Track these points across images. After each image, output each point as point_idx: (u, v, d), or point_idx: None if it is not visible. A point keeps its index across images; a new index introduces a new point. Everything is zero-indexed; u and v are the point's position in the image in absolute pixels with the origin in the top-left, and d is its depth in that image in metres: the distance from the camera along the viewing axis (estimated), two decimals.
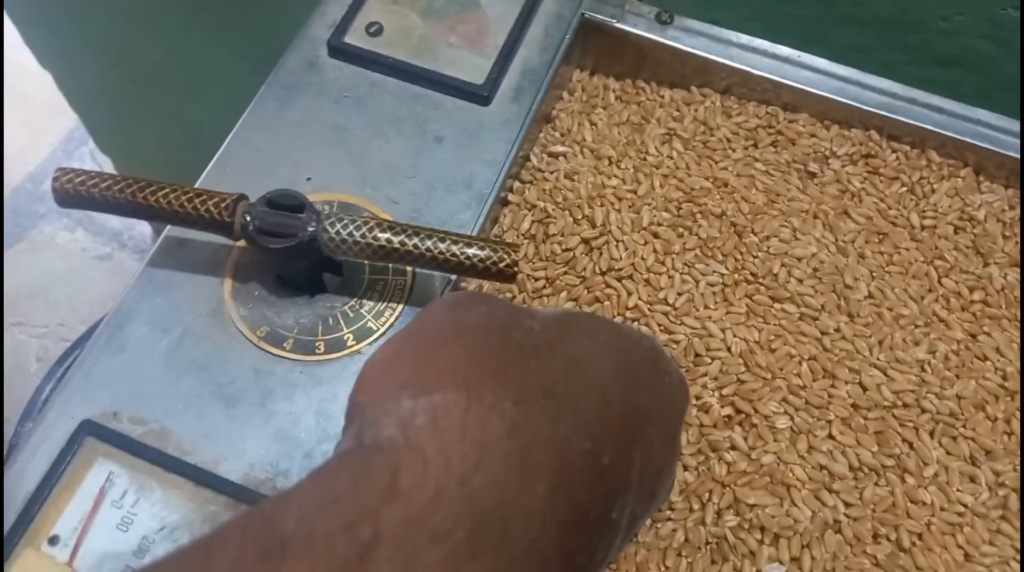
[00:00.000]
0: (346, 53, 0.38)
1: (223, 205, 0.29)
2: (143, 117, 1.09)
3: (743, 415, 0.32)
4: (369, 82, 0.38)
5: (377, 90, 0.37)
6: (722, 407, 0.33)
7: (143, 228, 1.52)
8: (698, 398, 0.33)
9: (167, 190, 0.29)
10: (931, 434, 0.32)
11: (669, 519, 0.31)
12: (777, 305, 0.35)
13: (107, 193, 0.30)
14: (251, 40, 0.82)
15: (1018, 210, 0.38)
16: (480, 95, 0.37)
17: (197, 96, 0.97)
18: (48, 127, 1.60)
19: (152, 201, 0.29)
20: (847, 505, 0.31)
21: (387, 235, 0.29)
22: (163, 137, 1.12)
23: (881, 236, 0.37)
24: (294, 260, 0.30)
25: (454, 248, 0.29)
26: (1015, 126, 0.39)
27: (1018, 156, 0.38)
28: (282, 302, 0.32)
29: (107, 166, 1.44)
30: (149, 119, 1.09)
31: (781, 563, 0.30)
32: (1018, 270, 0.37)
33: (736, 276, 0.35)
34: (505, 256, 0.29)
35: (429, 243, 0.29)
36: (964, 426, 0.32)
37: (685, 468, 0.32)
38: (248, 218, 0.29)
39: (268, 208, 0.29)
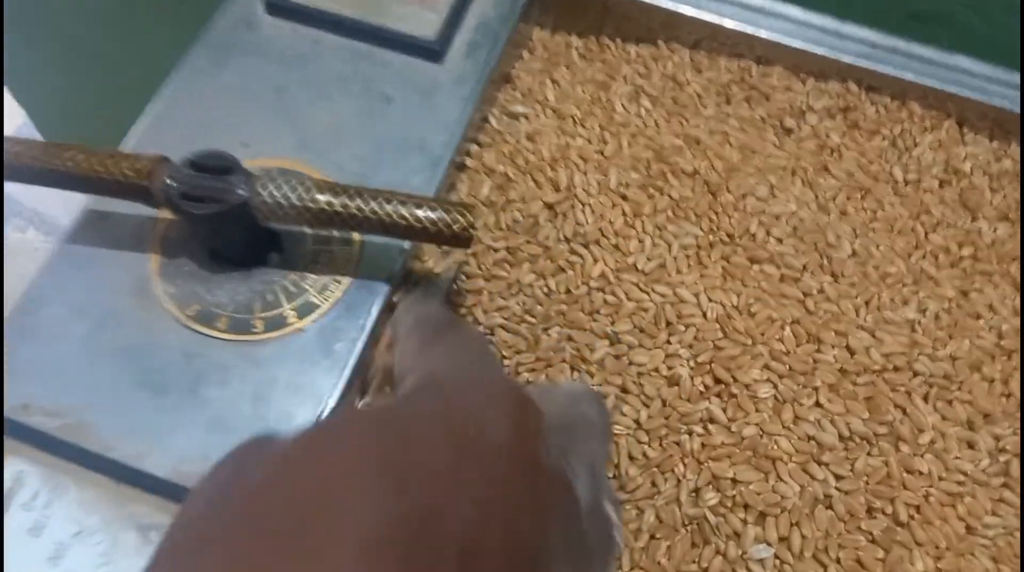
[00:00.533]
0: (285, 9, 0.35)
1: (140, 166, 0.26)
2: (94, 113, 1.05)
3: (721, 385, 0.30)
4: (311, 40, 0.35)
5: (319, 48, 0.34)
6: (696, 377, 0.30)
7: None
8: (670, 369, 0.30)
9: (78, 152, 0.26)
10: (925, 398, 0.30)
11: (631, 500, 0.28)
12: (756, 266, 0.32)
13: (16, 160, 0.26)
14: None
15: (1004, 162, 0.36)
16: (432, 51, 0.34)
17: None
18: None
19: (61, 164, 0.26)
20: (838, 478, 0.28)
21: (327, 197, 0.26)
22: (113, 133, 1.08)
23: (863, 192, 0.35)
24: (225, 230, 0.27)
25: (402, 210, 0.26)
26: (999, 74, 0.37)
27: (1001, 106, 0.36)
28: (215, 278, 0.29)
29: None
30: (101, 113, 1.05)
31: (768, 543, 0.27)
32: (1007, 224, 0.35)
33: (711, 237, 0.33)
34: (460, 218, 0.26)
35: (374, 205, 0.26)
36: (960, 389, 0.30)
37: (645, 443, 0.29)
38: (169, 181, 0.26)
39: (192, 170, 0.26)
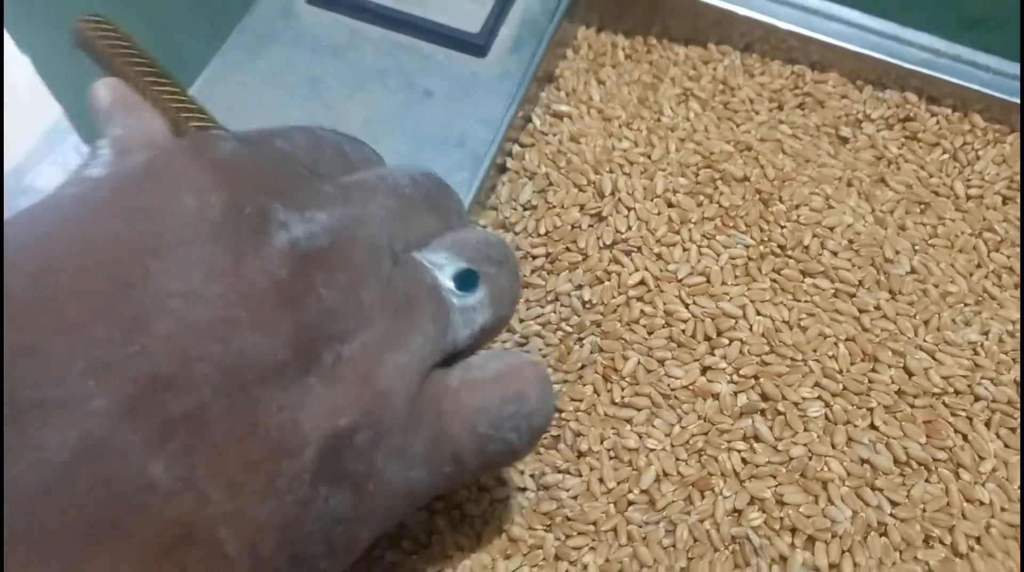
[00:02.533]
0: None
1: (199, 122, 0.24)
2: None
3: (768, 402, 0.29)
4: (350, 30, 0.34)
5: (359, 39, 0.33)
6: (739, 393, 0.29)
7: None
8: (709, 383, 0.29)
9: (162, 89, 0.24)
10: (987, 425, 0.28)
11: (663, 517, 0.27)
12: (808, 280, 0.31)
13: (111, 60, 0.25)
14: None
15: None
16: (475, 45, 0.33)
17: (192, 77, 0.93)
18: (30, 118, 1.56)
19: (135, 80, 0.24)
20: (893, 504, 0.27)
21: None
22: None
23: (923, 206, 0.33)
24: None
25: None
26: None
27: None
28: None
29: None
30: None
31: (818, 570, 0.26)
32: None
33: (762, 248, 0.31)
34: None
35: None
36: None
37: (682, 460, 0.28)
38: None
39: None
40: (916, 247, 0.32)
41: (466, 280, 0.21)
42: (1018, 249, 0.32)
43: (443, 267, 0.21)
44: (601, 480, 0.28)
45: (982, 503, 0.27)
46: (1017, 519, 0.27)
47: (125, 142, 0.21)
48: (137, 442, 0.14)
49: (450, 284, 0.21)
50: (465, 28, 0.33)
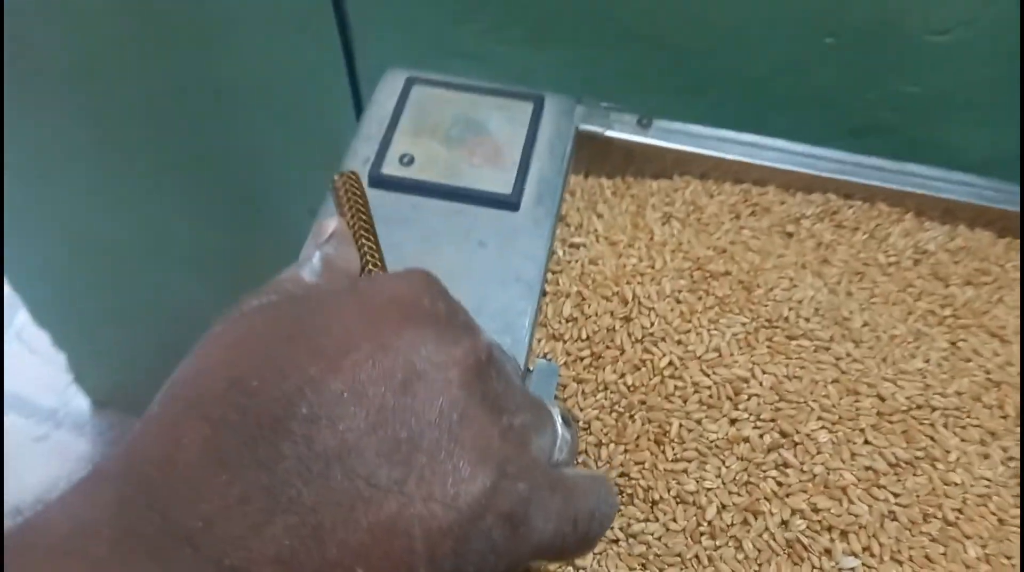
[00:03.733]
0: (386, 183, 0.43)
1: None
2: (89, 288, 1.11)
3: (786, 437, 0.38)
4: (411, 205, 0.43)
5: (419, 210, 0.43)
6: (762, 435, 0.38)
7: (79, 403, 1.48)
8: (738, 431, 0.38)
9: (367, 237, 0.34)
10: (945, 426, 0.38)
11: (729, 536, 0.35)
12: (794, 342, 0.41)
13: (345, 205, 0.35)
14: (215, 205, 0.86)
15: (957, 240, 0.46)
16: (510, 202, 0.43)
17: (153, 263, 0.99)
18: None
19: (351, 226, 0.34)
20: (895, 496, 0.36)
21: None
22: (111, 307, 1.13)
23: (859, 275, 0.44)
24: None
25: None
26: (938, 173, 0.47)
27: (948, 197, 0.46)
28: None
29: (40, 341, 1.42)
30: (96, 289, 1.10)
31: (855, 555, 0.34)
32: (971, 287, 0.44)
33: (754, 324, 0.41)
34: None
35: None
36: (968, 416, 0.39)
37: (733, 493, 0.36)
38: None
39: None
40: (862, 306, 0.43)
41: (566, 418, 0.28)
42: (933, 296, 0.44)
43: (553, 406, 0.28)
44: (674, 520, 0.36)
45: (956, 484, 0.36)
46: (983, 490, 0.36)
47: (332, 261, 0.30)
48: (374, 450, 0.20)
49: (559, 418, 0.27)
50: (500, 190, 0.43)
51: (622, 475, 0.38)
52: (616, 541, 0.36)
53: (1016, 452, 0.38)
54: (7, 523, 0.19)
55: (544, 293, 0.43)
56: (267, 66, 0.65)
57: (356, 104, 0.64)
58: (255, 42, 0.64)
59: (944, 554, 0.34)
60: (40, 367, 1.51)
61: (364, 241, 0.33)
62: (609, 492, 0.27)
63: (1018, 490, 0.36)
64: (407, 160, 0.44)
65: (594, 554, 0.36)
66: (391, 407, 0.21)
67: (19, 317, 1.58)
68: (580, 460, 0.38)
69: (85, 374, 1.38)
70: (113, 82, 0.72)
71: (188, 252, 0.96)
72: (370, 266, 0.33)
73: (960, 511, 0.36)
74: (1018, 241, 0.47)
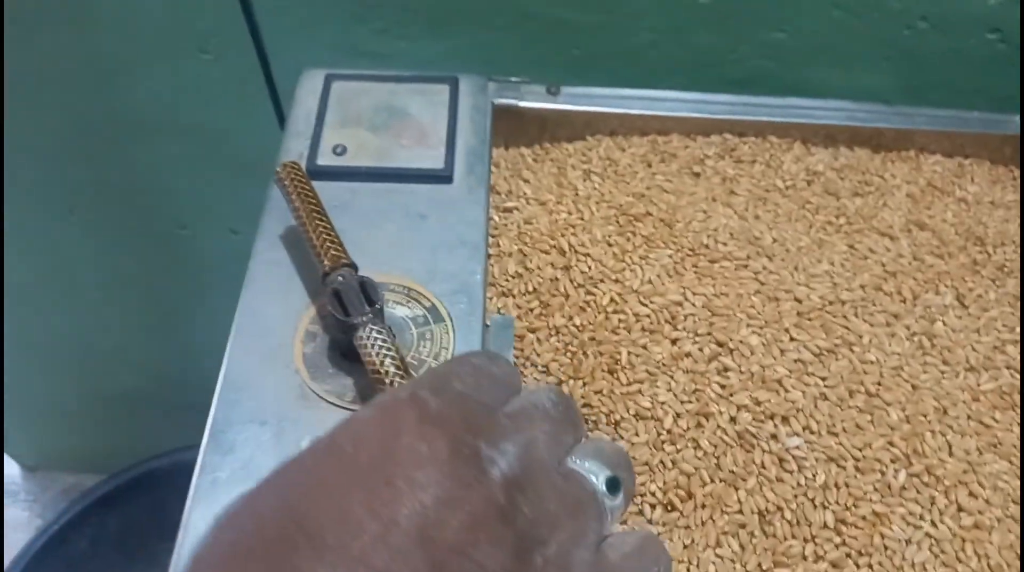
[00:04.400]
0: (323, 173, 0.46)
1: (337, 253, 0.35)
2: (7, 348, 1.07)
3: (722, 346, 0.42)
4: (350, 190, 0.45)
5: (359, 195, 0.45)
6: (703, 347, 0.42)
7: (10, 470, 1.43)
8: (679, 348, 0.42)
9: (319, 224, 0.37)
10: (856, 315, 0.43)
11: (683, 442, 0.39)
12: (716, 265, 0.45)
13: (293, 197, 0.38)
14: (130, 237, 0.85)
15: (840, 159, 0.52)
16: (444, 176, 0.46)
17: (68, 306, 0.97)
18: None
19: (302, 211, 0.36)
20: (823, 380, 0.41)
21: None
22: (26, 360, 1.09)
23: (762, 200, 0.49)
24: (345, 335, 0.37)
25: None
26: (816, 103, 0.53)
27: (827, 123, 0.52)
28: (353, 370, 0.38)
29: None
30: (9, 343, 1.07)
31: (797, 434, 0.39)
32: (859, 197, 0.50)
33: (679, 254, 0.46)
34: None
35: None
36: (873, 303, 0.44)
37: (685, 402, 0.40)
38: (342, 277, 0.35)
39: (356, 285, 0.36)
40: (770, 226, 0.48)
41: (613, 484, 0.25)
42: (828, 209, 0.49)
43: (596, 475, 0.24)
44: (636, 434, 0.40)
45: (872, 362, 0.42)
46: (896, 362, 0.42)
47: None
48: None
49: (603, 488, 0.24)
50: (433, 166, 0.46)
51: (584, 405, 0.41)
52: None
53: (918, 328, 0.43)
54: None
55: (488, 255, 0.46)
56: (173, 89, 0.66)
57: (278, 116, 0.66)
58: (160, 66, 0.64)
59: (871, 421, 0.39)
60: None
61: (318, 222, 0.36)
62: (660, 550, 0.25)
63: (923, 358, 0.42)
64: (340, 150, 0.46)
65: None
66: None
67: None
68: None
69: (11, 440, 1.33)
70: (17, 119, 0.71)
71: (104, 292, 0.94)
72: (327, 244, 0.35)
73: (879, 383, 0.41)
74: (892, 153, 0.53)
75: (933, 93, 0.62)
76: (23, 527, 1.37)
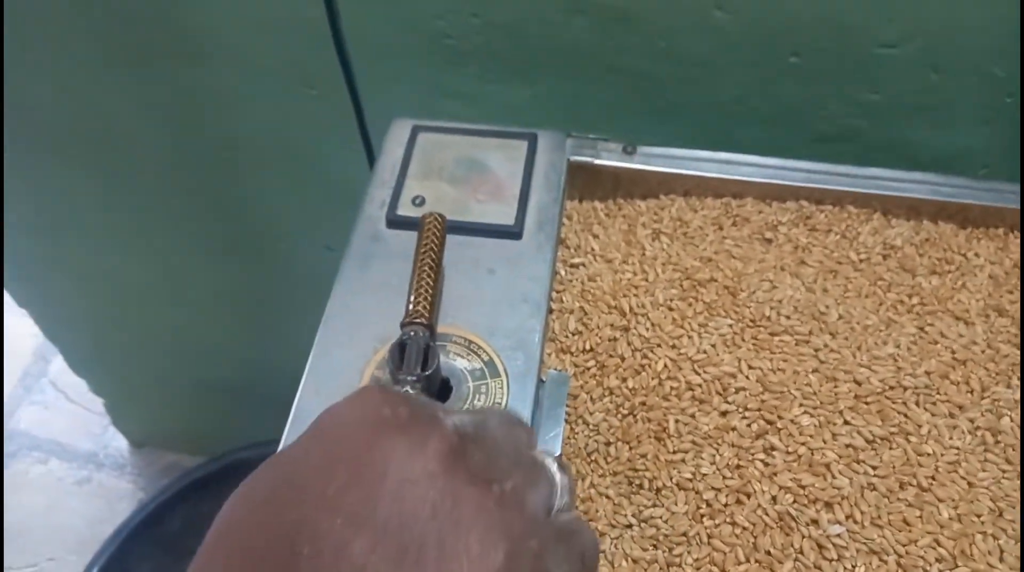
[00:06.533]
0: (401, 223, 0.48)
1: (419, 309, 0.38)
2: (120, 335, 1.16)
3: (771, 425, 0.42)
4: None
5: None
6: (751, 423, 0.42)
7: (119, 444, 1.54)
8: (727, 421, 0.42)
9: (428, 269, 0.40)
10: (916, 404, 0.43)
11: (722, 517, 0.39)
12: (776, 338, 0.45)
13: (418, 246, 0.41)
14: (235, 249, 0.92)
15: (922, 234, 0.51)
16: (513, 232, 0.48)
17: (178, 307, 1.05)
18: (6, 368, 1.63)
19: (417, 259, 0.40)
20: (873, 468, 0.40)
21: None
22: (142, 351, 1.18)
23: (833, 273, 0.49)
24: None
25: None
26: (900, 174, 0.52)
27: (912, 195, 0.51)
28: None
29: (76, 389, 1.48)
30: (127, 336, 1.16)
31: (840, 522, 0.39)
32: (937, 276, 0.49)
33: (739, 325, 0.46)
34: None
35: None
36: (937, 392, 0.43)
37: (727, 477, 0.41)
38: (414, 333, 0.38)
39: (423, 346, 0.38)
40: (837, 300, 0.47)
41: (560, 463, 0.28)
42: (902, 287, 0.48)
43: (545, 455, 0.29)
44: (676, 504, 0.41)
45: (928, 454, 0.41)
46: (953, 457, 0.41)
47: None
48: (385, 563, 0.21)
49: (555, 464, 0.28)
50: (504, 222, 0.48)
51: (630, 468, 0.42)
52: (630, 526, 0.41)
53: (982, 422, 0.42)
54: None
55: (551, 310, 0.48)
56: (280, 121, 0.71)
57: (367, 148, 0.69)
58: (268, 102, 0.69)
59: (920, 516, 0.39)
60: (77, 413, 1.57)
61: (425, 274, 0.39)
62: (590, 528, 0.30)
63: (984, 456, 0.41)
64: (419, 201, 0.49)
65: (611, 538, 0.40)
66: (385, 518, 0.22)
67: (54, 366, 1.64)
68: (591, 458, 0.43)
69: (121, 417, 1.44)
70: (138, 145, 0.78)
71: (211, 294, 1.02)
72: (420, 297, 0.38)
73: (933, 478, 0.40)
74: (979, 230, 0.51)
75: None
76: (128, 498, 1.48)
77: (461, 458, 0.24)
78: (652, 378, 0.44)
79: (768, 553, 0.38)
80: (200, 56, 0.67)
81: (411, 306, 0.39)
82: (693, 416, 0.43)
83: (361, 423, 0.24)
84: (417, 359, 0.38)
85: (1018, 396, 0.43)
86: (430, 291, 0.39)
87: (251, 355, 1.12)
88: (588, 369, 0.46)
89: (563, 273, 0.49)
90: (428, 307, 0.39)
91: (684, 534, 0.40)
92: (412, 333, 0.39)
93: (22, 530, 1.46)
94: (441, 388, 0.41)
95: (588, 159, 0.52)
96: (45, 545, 1.45)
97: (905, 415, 0.42)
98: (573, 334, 0.47)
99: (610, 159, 0.52)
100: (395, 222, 0.48)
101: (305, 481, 0.23)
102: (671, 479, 0.41)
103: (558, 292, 0.49)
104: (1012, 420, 0.42)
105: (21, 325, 1.56)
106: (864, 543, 0.38)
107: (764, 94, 0.59)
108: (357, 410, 0.25)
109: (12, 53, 0.71)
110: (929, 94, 0.57)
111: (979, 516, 0.39)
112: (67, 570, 1.42)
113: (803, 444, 0.41)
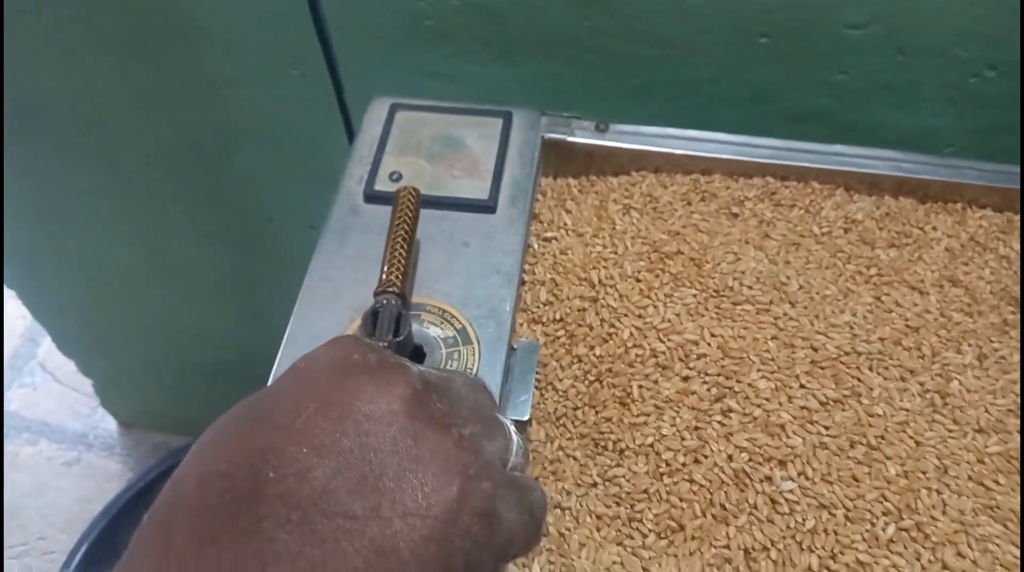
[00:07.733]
0: (378, 198, 0.50)
1: (394, 277, 0.40)
2: (108, 316, 1.17)
3: (729, 389, 0.44)
4: None
5: None
6: (711, 388, 0.44)
7: (108, 424, 1.56)
8: (688, 386, 0.44)
9: (401, 240, 0.41)
10: (870, 368, 0.45)
11: (680, 475, 0.41)
12: (738, 307, 0.47)
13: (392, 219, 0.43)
14: (222, 230, 0.93)
15: (882, 208, 0.53)
16: (488, 206, 0.49)
17: (166, 288, 1.06)
18: None
19: (391, 231, 0.42)
20: (826, 429, 0.42)
21: None
22: (131, 332, 1.19)
23: (796, 246, 0.51)
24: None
25: None
26: (862, 151, 0.54)
27: (873, 172, 0.53)
28: None
29: (65, 370, 1.49)
30: (115, 317, 1.17)
31: (792, 479, 0.41)
32: (895, 249, 0.51)
33: (703, 295, 0.48)
34: None
35: None
36: (890, 357, 0.45)
37: (685, 439, 0.43)
38: (387, 300, 0.39)
39: (395, 313, 0.40)
40: (799, 272, 0.49)
41: (518, 423, 0.33)
42: (860, 259, 0.50)
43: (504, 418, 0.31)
44: (637, 464, 0.43)
45: (878, 415, 0.43)
46: (902, 418, 0.43)
47: None
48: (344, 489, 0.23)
49: (512, 426, 0.30)
50: (479, 197, 0.49)
51: (596, 432, 0.44)
52: (595, 485, 0.43)
53: (931, 386, 0.44)
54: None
55: (523, 282, 0.50)
56: (263, 104, 0.72)
57: (347, 128, 0.71)
58: (252, 84, 0.70)
59: (868, 473, 0.41)
60: (66, 394, 1.58)
61: (398, 246, 0.40)
62: (542, 488, 0.31)
63: (931, 417, 0.43)
64: (396, 177, 0.51)
65: (576, 496, 0.42)
66: (349, 449, 0.23)
67: (42, 347, 1.66)
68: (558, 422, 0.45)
69: (110, 398, 1.45)
70: (124, 130, 0.79)
71: (198, 275, 1.03)
72: (393, 267, 0.40)
73: (882, 437, 0.42)
74: (937, 205, 0.53)
75: (999, 136, 0.62)
76: (117, 478, 1.50)
77: (424, 403, 0.26)
78: (618, 346, 0.46)
79: (723, 508, 0.40)
80: (184, 40, 0.68)
81: (384, 276, 0.40)
82: (656, 381, 0.45)
83: (332, 365, 0.26)
84: (389, 326, 0.40)
85: (968, 360, 0.45)
86: (403, 261, 0.41)
87: (238, 336, 1.14)
88: (558, 338, 0.47)
89: (536, 246, 0.51)
90: (400, 277, 0.41)
91: (645, 491, 0.42)
92: (384, 301, 0.40)
93: (12, 510, 1.47)
94: (414, 354, 0.43)
95: (562, 136, 0.54)
96: (35, 525, 1.47)
97: (858, 379, 0.44)
98: (544, 305, 0.49)
99: (583, 136, 0.54)
100: (372, 197, 0.50)
101: (275, 414, 0.24)
102: (634, 441, 0.43)
103: (531, 265, 0.50)
104: (961, 383, 0.44)
105: (10, 307, 1.57)
106: (814, 497, 0.40)
107: (736, 75, 0.60)
108: (330, 354, 0.27)
109: None
110: (896, 74, 0.59)
111: (924, 473, 0.41)
112: (57, 549, 1.44)
113: (759, 406, 0.43)
